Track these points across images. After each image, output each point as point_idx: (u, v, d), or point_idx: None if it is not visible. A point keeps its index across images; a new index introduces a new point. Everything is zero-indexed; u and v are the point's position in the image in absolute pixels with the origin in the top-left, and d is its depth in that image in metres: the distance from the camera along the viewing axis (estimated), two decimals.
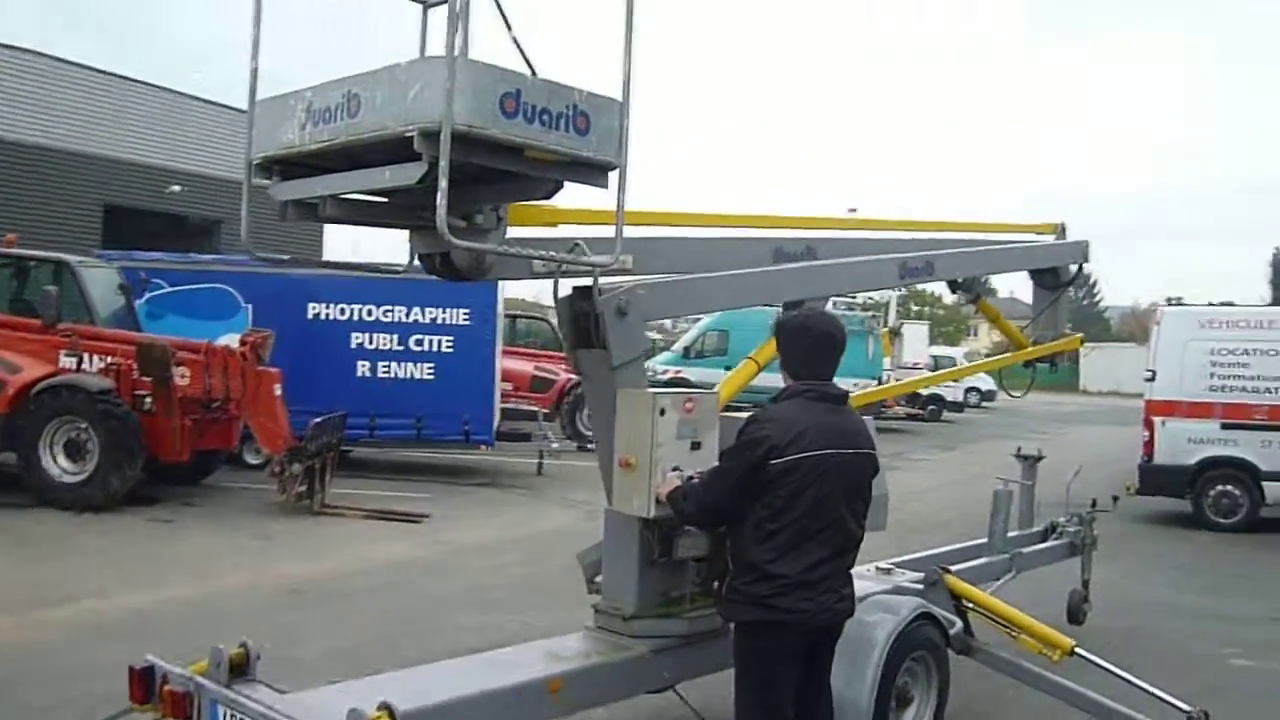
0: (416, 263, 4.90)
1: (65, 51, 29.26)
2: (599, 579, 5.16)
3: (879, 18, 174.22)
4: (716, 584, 4.55)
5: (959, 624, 5.89)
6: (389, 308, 15.79)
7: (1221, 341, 14.15)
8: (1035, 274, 8.76)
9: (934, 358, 34.26)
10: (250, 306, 15.64)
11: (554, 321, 29.17)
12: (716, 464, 4.39)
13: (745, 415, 5.09)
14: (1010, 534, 7.97)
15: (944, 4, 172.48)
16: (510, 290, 17.71)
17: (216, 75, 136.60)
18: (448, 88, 3.60)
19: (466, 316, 15.86)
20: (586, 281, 4.68)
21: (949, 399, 33.80)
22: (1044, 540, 8.46)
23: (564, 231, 5.11)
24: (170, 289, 15.73)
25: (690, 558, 4.84)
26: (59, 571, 9.62)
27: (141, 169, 29.19)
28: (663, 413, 4.49)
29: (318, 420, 12.83)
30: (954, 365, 35.02)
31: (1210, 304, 15.59)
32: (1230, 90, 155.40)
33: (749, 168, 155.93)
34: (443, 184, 3.61)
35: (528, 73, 4.01)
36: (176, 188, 29.80)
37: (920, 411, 32.09)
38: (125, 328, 13.89)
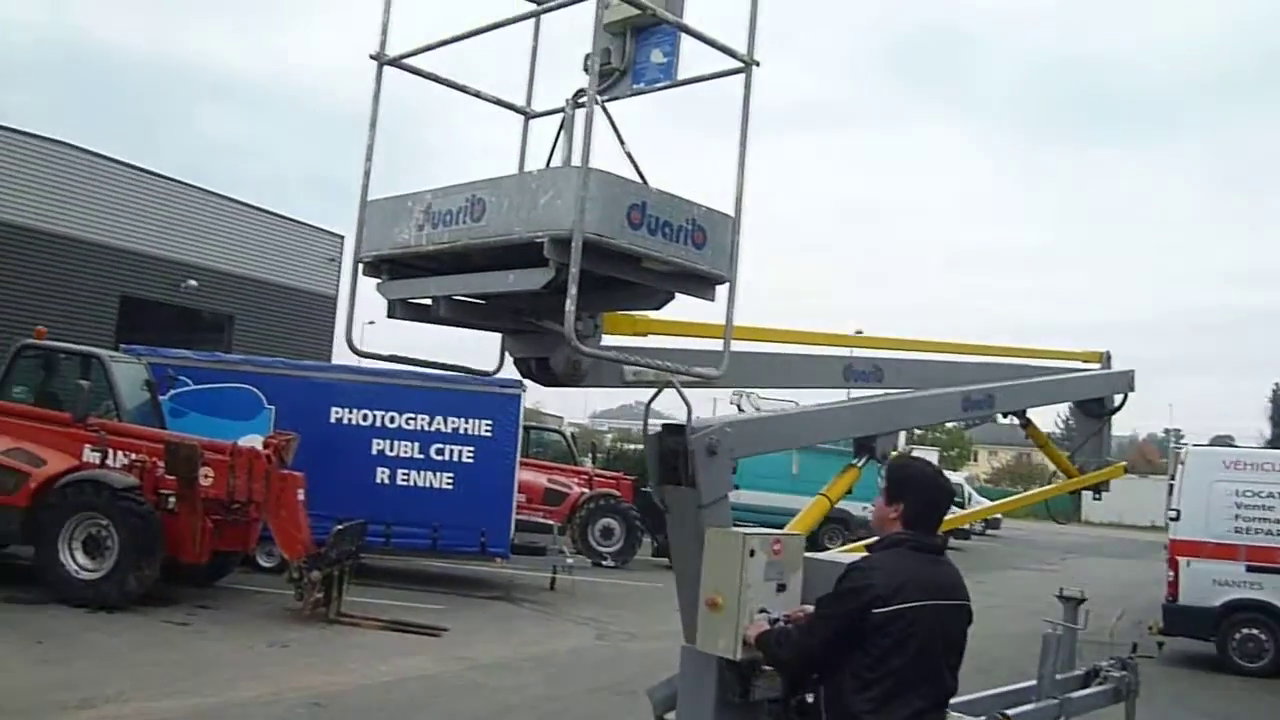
0: (509, 367, 4.93)
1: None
2: (670, 716, 5.05)
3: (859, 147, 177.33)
4: None
5: None
6: (411, 415, 15.77)
7: (1247, 483, 14.11)
8: (1080, 402, 8.77)
9: None
10: (273, 408, 15.59)
11: (567, 434, 29.20)
12: (811, 609, 4.33)
13: (827, 557, 5.07)
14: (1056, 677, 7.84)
15: (920, 145, 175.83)
16: None
17: (227, 172, 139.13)
18: (580, 196, 3.66)
19: (488, 428, 15.84)
20: (679, 419, 4.67)
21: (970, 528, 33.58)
22: (1087, 685, 8.30)
23: (651, 341, 5.10)
24: (194, 386, 15.70)
25: (765, 699, 4.74)
26: (75, 673, 9.43)
27: (158, 261, 29.42)
28: (752, 554, 4.44)
29: (339, 527, 12.72)
30: (960, 491, 35.00)
31: (1229, 443, 15.60)
32: (1227, 219, 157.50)
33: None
34: (572, 290, 3.65)
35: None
36: (193, 282, 30.00)
37: None
38: (149, 424, 13.85)
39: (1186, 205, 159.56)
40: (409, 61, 4.65)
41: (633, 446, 41.63)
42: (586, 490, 21.35)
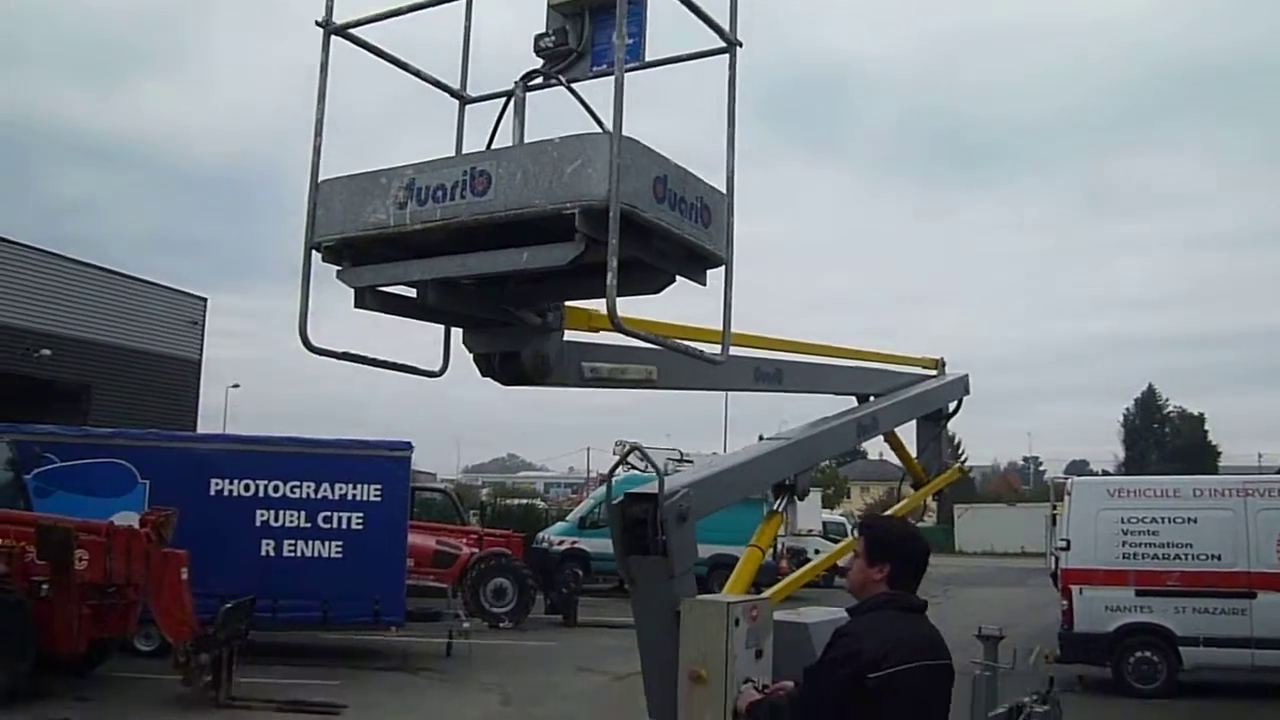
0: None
1: None
2: None
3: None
4: None
5: None
6: (296, 483, 15.14)
7: (1130, 510, 14.54)
8: None
9: (824, 523, 34.45)
10: (148, 482, 14.76)
11: (452, 492, 28.56)
12: (789, 683, 4.16)
13: (791, 617, 4.92)
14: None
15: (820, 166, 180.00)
16: None
17: (85, 231, 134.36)
18: (616, 164, 3.46)
19: (377, 492, 15.33)
20: (649, 488, 4.49)
21: (842, 564, 33.76)
22: None
23: (603, 338, 4.82)
24: (61, 463, 14.79)
25: None
26: None
27: (7, 330, 27.99)
28: (737, 623, 4.27)
29: (227, 606, 12.08)
30: (842, 529, 35.42)
31: (1085, 468, 16.04)
32: (1073, 251, 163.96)
33: None
34: (613, 263, 3.44)
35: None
36: (46, 351, 28.60)
37: (816, 579, 31.98)
38: (14, 506, 12.99)
39: (1039, 240, 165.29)
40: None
41: (516, 501, 41.05)
42: (476, 550, 20.85)
